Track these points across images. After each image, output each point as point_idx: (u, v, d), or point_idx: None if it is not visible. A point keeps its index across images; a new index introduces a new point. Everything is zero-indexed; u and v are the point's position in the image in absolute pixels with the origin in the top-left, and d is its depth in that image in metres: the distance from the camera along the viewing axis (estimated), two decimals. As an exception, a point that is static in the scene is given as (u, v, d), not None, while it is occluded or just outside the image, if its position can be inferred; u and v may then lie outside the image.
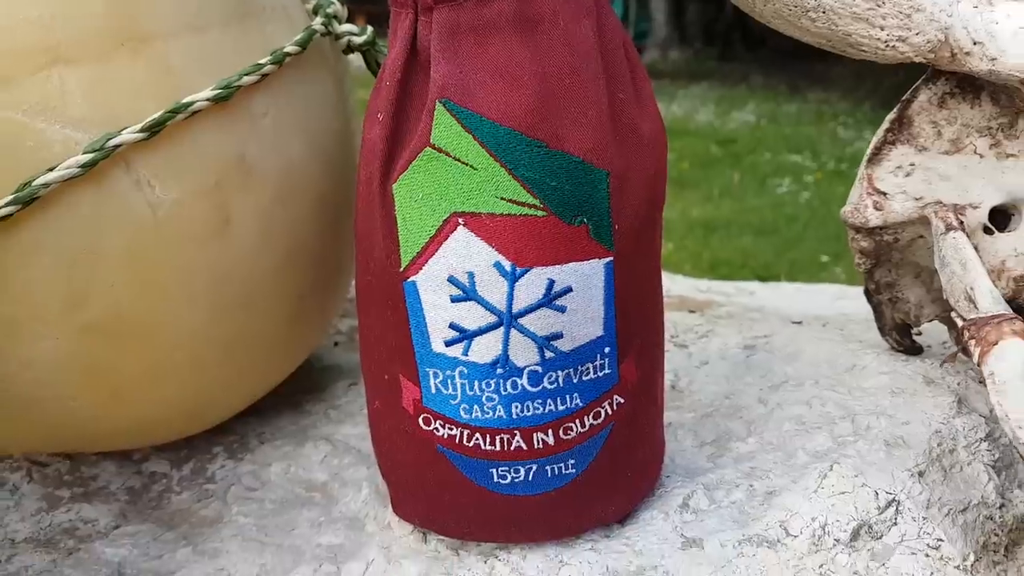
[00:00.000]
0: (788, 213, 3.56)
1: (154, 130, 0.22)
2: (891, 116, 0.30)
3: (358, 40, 0.29)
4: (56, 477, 0.31)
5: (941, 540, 0.23)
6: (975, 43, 0.25)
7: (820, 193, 3.97)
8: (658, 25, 13.34)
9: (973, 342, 0.22)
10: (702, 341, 0.39)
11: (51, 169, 0.21)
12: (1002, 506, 0.25)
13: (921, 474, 0.25)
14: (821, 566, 0.22)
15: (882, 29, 0.26)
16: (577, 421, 0.22)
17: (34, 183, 0.21)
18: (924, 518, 0.23)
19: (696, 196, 4.04)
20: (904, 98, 0.30)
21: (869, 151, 0.30)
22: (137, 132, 0.21)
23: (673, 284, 0.53)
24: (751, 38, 16.53)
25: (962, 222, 0.26)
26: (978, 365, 0.22)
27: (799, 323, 0.40)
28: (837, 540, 0.23)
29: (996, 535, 0.24)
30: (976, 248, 0.26)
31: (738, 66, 13.03)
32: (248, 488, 0.30)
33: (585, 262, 0.21)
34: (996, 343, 0.21)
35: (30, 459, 0.31)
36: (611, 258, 0.21)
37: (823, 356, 0.34)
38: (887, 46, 0.26)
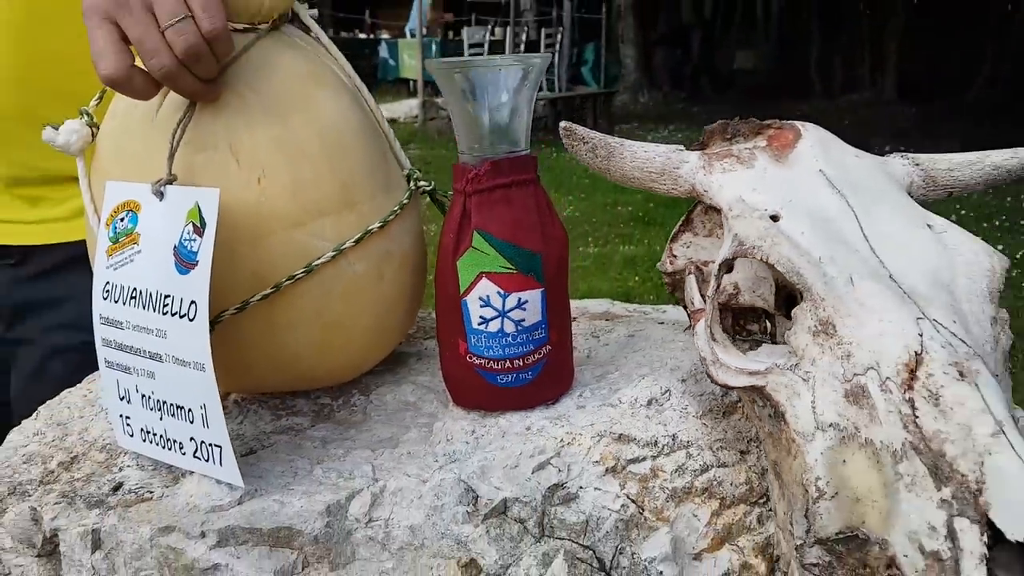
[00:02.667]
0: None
1: (360, 238, 0.53)
2: (683, 218, 0.62)
3: (428, 189, 0.61)
4: (274, 404, 0.62)
5: (688, 406, 0.54)
6: (704, 190, 0.57)
7: (774, 229, 4.32)
8: (628, 70, 13.83)
9: (691, 321, 0.54)
10: (606, 335, 0.70)
11: (319, 258, 0.52)
12: (725, 394, 0.56)
13: (683, 380, 0.56)
14: (632, 414, 0.54)
15: (665, 186, 0.58)
16: (531, 356, 0.53)
17: (315, 263, 0.52)
18: (683, 394, 0.55)
19: (660, 233, 4.40)
20: (689, 209, 0.62)
21: (672, 233, 0.62)
22: (352, 243, 0.53)
23: (611, 307, 0.84)
24: (719, 80, 16.94)
25: (700, 269, 0.58)
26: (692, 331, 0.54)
27: (662, 324, 0.72)
28: (642, 405, 0.54)
29: (715, 402, 0.56)
30: (716, 279, 0.58)
31: (706, 107, 13.52)
32: (376, 406, 0.61)
33: (533, 290, 0.53)
34: (696, 322, 0.53)
35: (260, 395, 0.62)
36: (543, 288, 0.53)
37: (663, 337, 0.66)
38: (671, 191, 0.59)
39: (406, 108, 8.38)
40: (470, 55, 9.13)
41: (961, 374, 0.42)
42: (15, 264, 0.78)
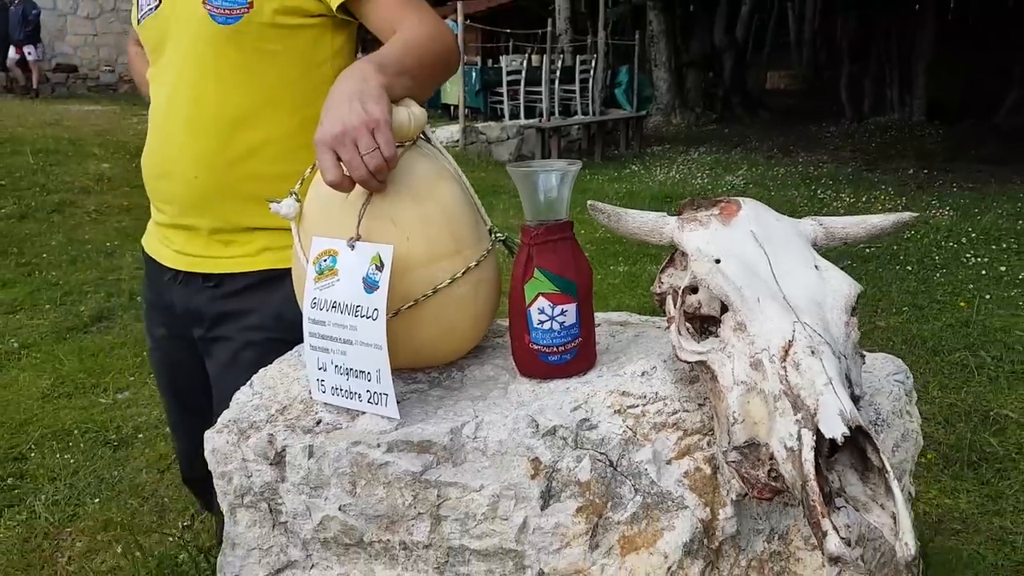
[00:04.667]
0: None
1: (463, 273, 0.87)
2: (667, 259, 0.95)
3: (502, 239, 0.95)
4: (405, 376, 0.96)
5: (667, 376, 0.87)
6: (679, 242, 0.90)
7: (792, 251, 4.60)
8: (660, 92, 14.08)
9: (668, 324, 0.87)
10: (620, 335, 1.04)
11: (439, 285, 0.86)
12: (691, 370, 0.89)
13: (664, 361, 0.89)
14: (631, 380, 0.87)
15: (655, 239, 0.91)
16: (570, 344, 0.87)
17: (437, 288, 0.86)
18: (664, 369, 0.88)
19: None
20: (671, 254, 0.95)
21: (660, 268, 0.95)
22: (458, 275, 0.87)
23: (628, 318, 1.17)
24: (749, 101, 17.03)
25: (676, 292, 0.91)
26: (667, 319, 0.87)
27: (658, 328, 1.05)
28: (637, 375, 0.87)
29: (684, 374, 0.89)
30: (681, 298, 0.90)
31: (737, 129, 13.71)
32: (468, 377, 0.95)
33: (570, 304, 0.86)
34: (670, 325, 0.86)
35: (396, 370, 0.96)
36: (577, 303, 0.87)
37: (657, 336, 0.99)
38: (658, 242, 0.92)
39: (448, 133, 8.79)
40: (508, 81, 9.54)
41: (812, 352, 0.74)
42: (213, 286, 1.14)
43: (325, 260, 0.86)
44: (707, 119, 13.65)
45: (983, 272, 4.13)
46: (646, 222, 0.91)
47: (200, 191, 1.09)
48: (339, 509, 0.82)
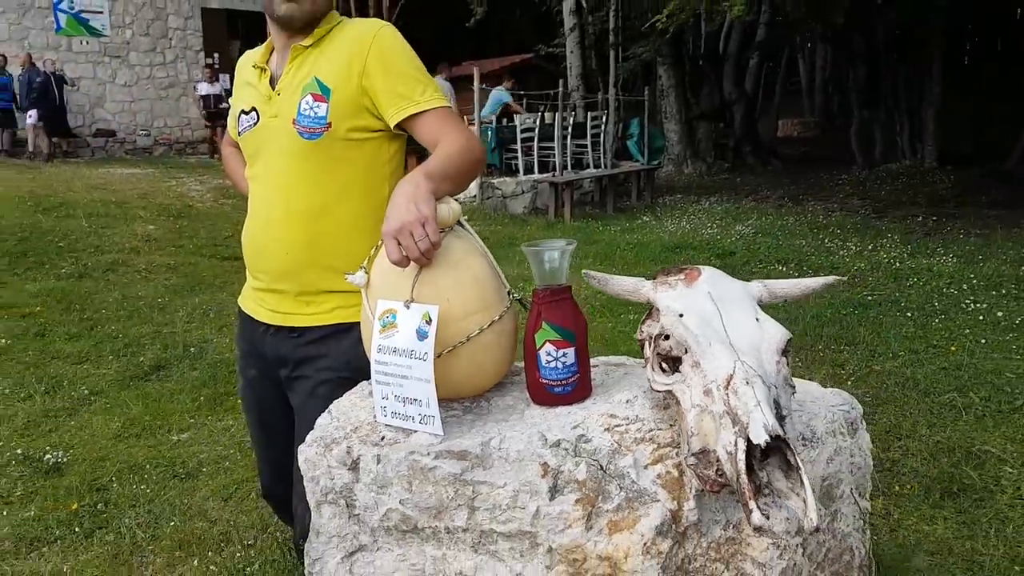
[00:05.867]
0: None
1: (489, 325, 1.16)
2: (646, 313, 1.23)
3: (519, 299, 1.24)
4: (444, 404, 1.24)
5: (646, 403, 1.15)
6: (653, 301, 1.19)
7: (796, 298, 4.84)
8: (672, 143, 14.45)
9: (645, 363, 1.15)
10: (614, 373, 1.31)
11: (471, 334, 1.15)
12: (664, 398, 1.16)
13: (644, 392, 1.17)
14: (619, 405, 1.14)
15: (635, 298, 1.19)
16: (570, 379, 1.15)
17: (469, 336, 1.15)
18: (644, 397, 1.15)
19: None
20: (649, 310, 1.23)
21: (643, 318, 1.23)
22: (485, 327, 1.16)
23: (624, 360, 1.44)
24: (761, 150, 17.31)
25: (652, 338, 1.18)
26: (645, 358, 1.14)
27: (644, 368, 1.33)
28: (623, 402, 1.15)
29: (659, 402, 1.16)
30: (653, 343, 1.18)
31: (748, 178, 13.97)
32: (494, 405, 1.23)
33: (570, 348, 1.14)
34: (647, 364, 1.13)
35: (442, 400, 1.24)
36: (575, 347, 1.15)
37: (642, 374, 1.27)
38: (639, 301, 1.20)
39: (465, 189, 9.18)
40: (522, 139, 9.97)
41: (747, 383, 1.01)
42: (297, 337, 1.45)
43: (388, 317, 1.15)
44: (719, 169, 13.97)
45: (980, 317, 4.34)
46: (628, 285, 1.20)
47: (289, 265, 1.40)
48: (399, 503, 1.09)
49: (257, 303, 1.51)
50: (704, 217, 8.67)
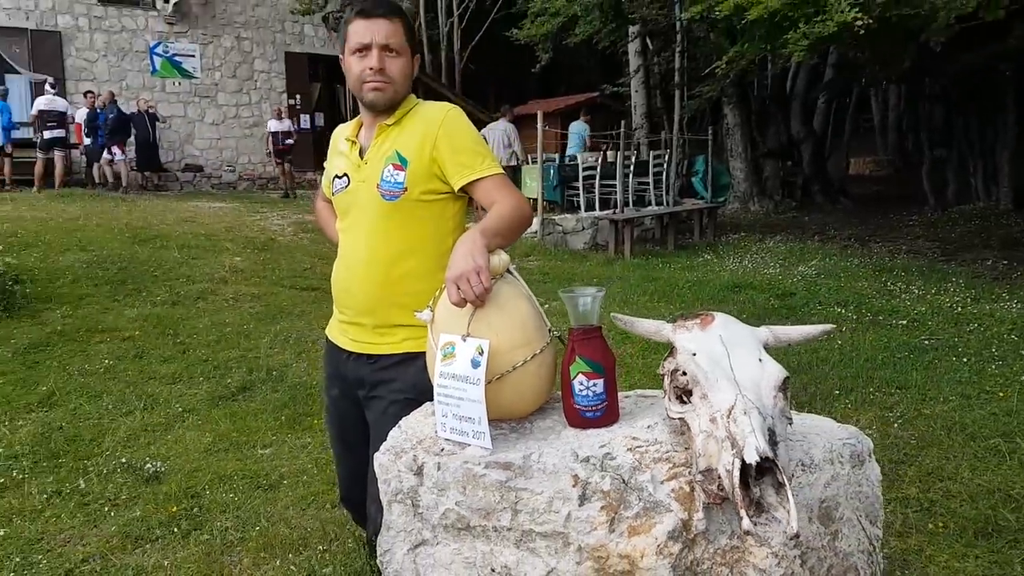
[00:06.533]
0: (821, 356, 4.57)
1: (532, 357, 1.39)
2: (667, 353, 1.44)
3: (557, 335, 1.46)
4: (494, 424, 1.47)
5: (664, 427, 1.35)
6: (672, 341, 1.39)
7: (852, 340, 4.94)
8: (737, 181, 14.44)
9: (664, 394, 1.36)
10: (642, 403, 1.52)
11: (516, 365, 1.38)
12: (680, 423, 1.36)
13: (664, 418, 1.38)
14: (641, 430, 1.35)
15: (657, 339, 1.41)
16: (600, 405, 1.36)
17: (515, 367, 1.38)
18: (663, 423, 1.36)
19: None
20: (670, 350, 1.43)
21: (665, 356, 1.44)
22: (529, 359, 1.39)
23: (652, 393, 1.65)
24: (830, 189, 17.04)
25: (671, 373, 1.39)
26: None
27: (668, 399, 1.53)
28: (644, 427, 1.36)
29: (676, 427, 1.36)
30: (671, 377, 1.39)
31: (816, 217, 13.82)
32: (536, 426, 1.45)
33: (599, 379, 1.36)
34: (665, 395, 1.34)
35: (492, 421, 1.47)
36: (604, 378, 1.37)
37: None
38: (660, 341, 1.41)
39: (529, 226, 9.44)
40: (584, 176, 10.21)
41: (745, 413, 1.21)
42: (373, 363, 1.71)
43: (448, 348, 1.40)
44: (786, 207, 13.87)
45: (1040, 363, 4.32)
46: (651, 327, 1.41)
47: (369, 302, 1.68)
48: (455, 504, 1.32)
49: (341, 333, 1.78)
50: (767, 256, 8.68)
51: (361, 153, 1.72)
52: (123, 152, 12.41)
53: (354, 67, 1.67)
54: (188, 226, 8.24)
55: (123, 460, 3.08)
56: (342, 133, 1.80)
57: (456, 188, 1.63)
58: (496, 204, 1.56)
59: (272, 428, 3.44)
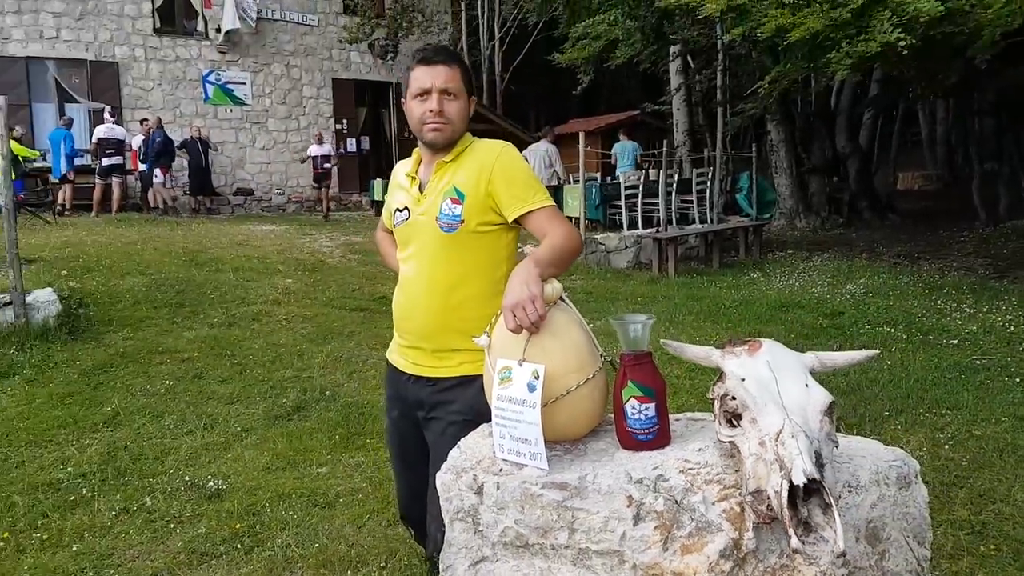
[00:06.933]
0: (870, 377, 4.53)
1: (585, 381, 1.46)
2: (716, 377, 1.49)
3: (609, 360, 1.53)
4: (552, 446, 1.54)
5: (715, 450, 1.40)
6: (721, 366, 1.45)
7: (902, 360, 4.88)
8: (783, 197, 14.29)
9: (714, 418, 1.41)
10: (692, 426, 1.57)
11: (570, 389, 1.45)
12: (731, 446, 1.41)
13: (715, 441, 1.43)
14: (692, 452, 1.41)
15: (706, 364, 1.46)
16: (652, 428, 1.42)
17: (568, 390, 1.45)
18: (713, 446, 1.41)
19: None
20: (719, 375, 1.49)
21: (714, 381, 1.49)
22: (582, 383, 1.46)
23: (702, 416, 1.70)
24: (878, 205, 16.72)
25: (721, 398, 1.44)
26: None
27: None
28: (696, 449, 1.41)
29: (725, 449, 1.41)
30: (720, 401, 1.44)
31: (864, 233, 13.60)
32: (589, 448, 1.51)
33: (651, 403, 1.42)
34: (716, 419, 1.39)
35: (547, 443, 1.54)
36: (655, 402, 1.43)
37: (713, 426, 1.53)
38: (709, 366, 1.47)
39: (573, 246, 9.50)
40: (627, 194, 10.25)
41: (792, 436, 1.26)
42: (432, 385, 1.80)
43: (505, 372, 1.47)
44: (833, 223, 13.66)
45: (1097, 383, 4.22)
46: (700, 353, 1.47)
47: (429, 327, 1.77)
48: (514, 522, 1.39)
49: (401, 356, 1.87)
50: (814, 274, 8.58)
51: (421, 188, 1.82)
52: (164, 175, 12.71)
53: (415, 110, 1.78)
54: (241, 249, 8.50)
55: (186, 478, 3.22)
56: (402, 169, 1.91)
57: (510, 220, 1.72)
58: (548, 235, 1.64)
59: (327, 447, 3.55)
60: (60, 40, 13.82)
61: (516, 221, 1.73)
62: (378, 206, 15.22)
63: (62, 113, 13.53)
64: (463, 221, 1.73)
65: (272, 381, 4.52)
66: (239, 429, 3.81)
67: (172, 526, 2.84)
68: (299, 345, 5.24)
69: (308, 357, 4.97)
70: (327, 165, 14.13)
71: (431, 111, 1.75)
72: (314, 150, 14.24)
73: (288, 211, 15.54)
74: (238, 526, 2.78)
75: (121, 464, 3.40)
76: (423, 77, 1.76)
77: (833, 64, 6.20)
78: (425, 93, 1.75)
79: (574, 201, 10.06)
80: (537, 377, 1.42)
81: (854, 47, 5.83)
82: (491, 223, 1.74)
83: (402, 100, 1.85)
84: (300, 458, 3.43)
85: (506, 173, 1.74)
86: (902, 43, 5.50)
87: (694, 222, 10.75)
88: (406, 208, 1.83)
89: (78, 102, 14.03)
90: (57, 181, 11.93)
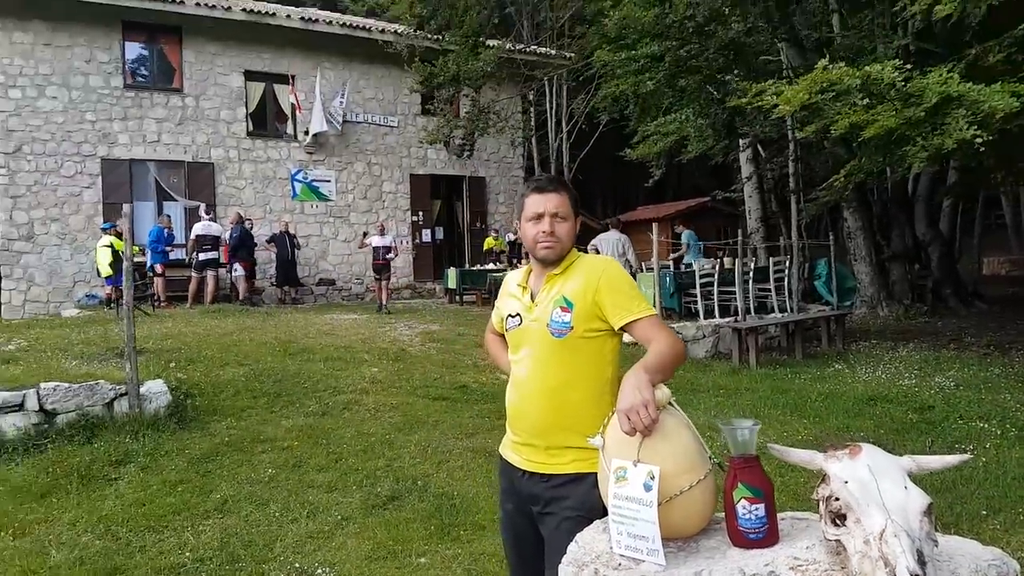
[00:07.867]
0: (965, 474, 4.43)
1: (696, 483, 1.59)
2: (821, 479, 1.60)
3: (718, 462, 1.66)
4: (666, 543, 1.66)
5: (820, 549, 1.50)
6: (824, 469, 1.56)
7: (997, 457, 4.76)
8: (863, 285, 14.02)
9: (820, 518, 1.51)
10: (798, 525, 1.67)
11: (683, 490, 1.58)
12: (835, 544, 1.50)
13: (821, 540, 1.53)
14: (800, 549, 1.51)
15: (810, 467, 1.57)
16: (761, 528, 1.53)
17: (682, 491, 1.58)
18: (819, 544, 1.51)
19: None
20: (822, 477, 1.60)
21: (818, 483, 1.60)
22: (694, 484, 1.59)
23: (807, 516, 1.79)
24: (963, 292, 16.25)
25: (826, 499, 1.55)
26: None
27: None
28: (804, 547, 1.51)
29: (831, 547, 1.51)
30: (826, 503, 1.54)
31: (950, 322, 13.18)
32: (702, 545, 1.62)
33: (760, 504, 1.54)
34: (821, 519, 1.50)
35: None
36: (764, 503, 1.54)
37: (818, 525, 1.62)
38: (812, 469, 1.58)
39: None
40: (701, 284, 10.31)
41: (895, 536, 1.36)
42: (546, 481, 1.95)
43: (620, 472, 1.62)
44: (917, 312, 13.28)
45: None
46: (804, 457, 1.58)
47: (541, 426, 1.94)
48: (634, 613, 1.51)
49: (515, 452, 2.04)
50: (901, 366, 8.36)
51: (532, 297, 2.03)
52: (244, 268, 13.38)
53: (529, 231, 2.01)
54: (328, 339, 8.91)
55: (296, 565, 3.40)
56: (513, 279, 2.13)
57: (616, 327, 1.90)
58: (654, 342, 1.81)
59: (423, 537, 3.69)
60: (161, 143, 15.08)
61: (622, 328, 1.91)
62: (451, 293, 15.66)
63: (160, 211, 14.62)
64: (572, 327, 1.92)
65: (366, 470, 4.71)
66: (339, 518, 3.99)
67: (287, 611, 3.00)
68: (388, 434, 5.45)
69: (398, 446, 5.17)
70: (389, 256, 13.62)
71: (544, 232, 1.98)
72: (376, 240, 13.60)
73: (366, 300, 16.13)
74: (349, 613, 2.92)
75: (234, 550, 3.61)
76: (537, 202, 2.00)
77: (909, 157, 6.28)
78: (539, 217, 1.99)
79: (648, 289, 10.15)
80: (653, 478, 1.56)
81: (929, 142, 5.91)
82: (597, 330, 1.93)
83: (515, 222, 2.09)
84: (400, 548, 3.57)
85: (612, 284, 1.94)
86: (978, 140, 5.55)
87: (773, 311, 10.67)
88: (519, 315, 2.04)
89: (176, 200, 15.14)
90: (150, 275, 12.79)
